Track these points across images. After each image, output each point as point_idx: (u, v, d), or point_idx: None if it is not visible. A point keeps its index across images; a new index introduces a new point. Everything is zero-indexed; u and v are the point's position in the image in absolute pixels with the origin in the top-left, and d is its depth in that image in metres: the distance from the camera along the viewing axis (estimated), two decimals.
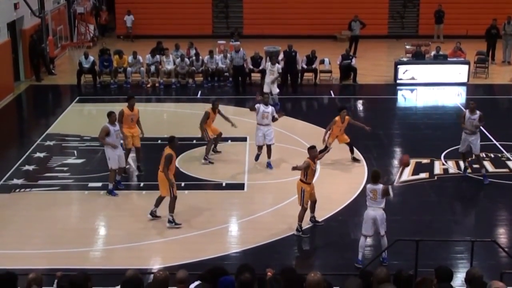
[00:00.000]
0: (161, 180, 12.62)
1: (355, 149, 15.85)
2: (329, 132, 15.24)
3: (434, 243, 11.30)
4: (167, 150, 12.49)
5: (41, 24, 23.77)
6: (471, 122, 14.41)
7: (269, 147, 15.36)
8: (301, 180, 12.16)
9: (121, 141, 14.61)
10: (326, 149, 14.62)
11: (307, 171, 12.04)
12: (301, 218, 12.23)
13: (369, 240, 12.14)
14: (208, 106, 16.15)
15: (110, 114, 14.18)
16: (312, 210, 12.59)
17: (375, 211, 11.06)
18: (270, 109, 15.43)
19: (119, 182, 14.30)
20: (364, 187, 14.13)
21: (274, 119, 15.35)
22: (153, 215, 12.90)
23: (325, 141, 15.13)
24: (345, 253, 11.66)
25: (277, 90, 19.86)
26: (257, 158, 15.51)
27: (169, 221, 12.59)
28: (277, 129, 17.59)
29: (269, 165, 15.33)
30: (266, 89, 19.51)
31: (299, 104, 21.22)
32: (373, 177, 11.16)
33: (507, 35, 25.19)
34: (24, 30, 23.14)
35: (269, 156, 15.36)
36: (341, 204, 13.43)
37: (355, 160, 15.68)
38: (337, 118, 15.30)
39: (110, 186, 14.08)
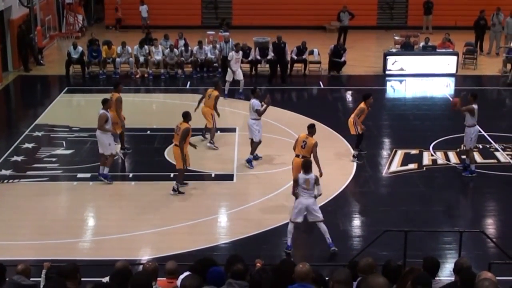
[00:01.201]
0: (176, 154, 13.40)
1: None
2: (357, 121, 14.97)
3: (422, 234, 11.39)
4: (184, 125, 13.26)
5: (29, 14, 23.68)
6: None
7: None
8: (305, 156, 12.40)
9: None
10: (361, 138, 15.04)
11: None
12: None
13: (356, 231, 12.38)
14: (210, 90, 16.36)
15: (107, 101, 14.27)
16: None
17: (307, 200, 11.22)
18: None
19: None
20: (353, 178, 14.42)
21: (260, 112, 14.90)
22: (175, 190, 13.53)
23: (357, 130, 15.02)
24: (335, 243, 11.56)
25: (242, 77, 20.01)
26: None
27: (173, 189, 13.43)
28: (265, 119, 17.62)
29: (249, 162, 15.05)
30: (229, 77, 19.72)
31: (288, 95, 21.26)
32: (305, 167, 11.28)
33: (495, 26, 25.32)
34: (12, 20, 23.03)
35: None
36: (330, 195, 13.44)
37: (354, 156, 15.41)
38: (363, 105, 15.03)
39: (106, 170, 14.10)
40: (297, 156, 12.76)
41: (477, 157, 15.41)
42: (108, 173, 14.17)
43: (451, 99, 14.64)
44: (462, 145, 15.13)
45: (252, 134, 14.98)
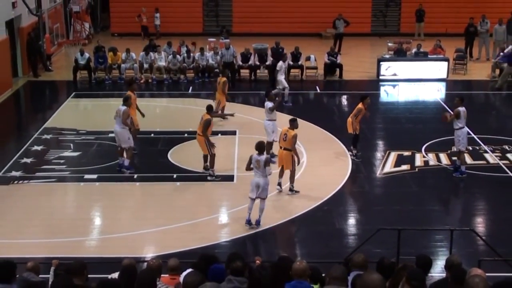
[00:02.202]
0: (200, 142, 14.45)
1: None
2: (354, 121, 15.44)
3: (415, 232, 11.48)
4: (206, 116, 14.33)
5: (38, 22, 23.88)
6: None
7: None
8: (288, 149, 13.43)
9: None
10: (357, 138, 15.67)
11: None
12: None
13: (351, 230, 12.65)
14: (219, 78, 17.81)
15: (128, 99, 14.95)
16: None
17: (259, 178, 12.19)
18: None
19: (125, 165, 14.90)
20: (348, 179, 14.59)
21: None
22: (206, 168, 14.67)
23: (355, 129, 15.48)
24: (330, 241, 11.96)
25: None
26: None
27: (210, 175, 14.48)
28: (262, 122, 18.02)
29: None
30: (281, 85, 19.98)
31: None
32: (257, 149, 12.33)
33: (482, 33, 25.65)
34: (22, 28, 23.30)
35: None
36: (326, 195, 13.72)
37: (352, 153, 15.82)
38: (360, 106, 15.48)
39: (127, 162, 14.70)
40: (280, 148, 13.69)
41: (467, 159, 15.59)
42: (129, 165, 14.71)
43: (442, 115, 15.11)
44: (453, 147, 15.38)
45: (267, 135, 15.45)
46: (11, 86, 22.01)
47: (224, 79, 18.38)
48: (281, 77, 20.12)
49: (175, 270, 7.30)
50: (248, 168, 12.49)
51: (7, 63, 21.81)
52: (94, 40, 27.56)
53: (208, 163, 14.77)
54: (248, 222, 12.38)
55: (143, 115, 15.99)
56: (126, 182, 14.73)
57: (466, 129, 14.87)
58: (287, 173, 13.89)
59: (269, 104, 15.45)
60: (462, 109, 14.61)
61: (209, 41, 25.07)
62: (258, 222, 12.37)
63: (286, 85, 20.09)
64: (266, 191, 12.34)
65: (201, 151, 14.82)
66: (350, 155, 15.81)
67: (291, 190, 13.87)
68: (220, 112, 17.89)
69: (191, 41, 24.74)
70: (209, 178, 14.57)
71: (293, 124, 13.71)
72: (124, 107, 14.71)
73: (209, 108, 14.71)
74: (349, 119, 15.63)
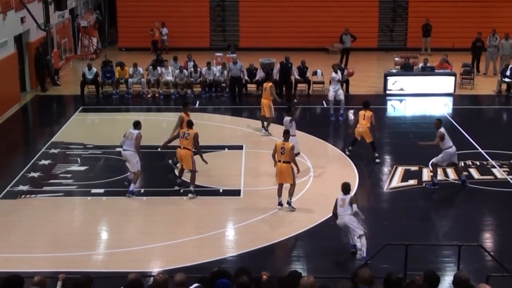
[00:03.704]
0: (187, 156, 14.29)
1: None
2: (375, 126, 16.34)
3: (422, 247, 11.51)
4: (193, 131, 14.46)
5: (46, 37, 24.02)
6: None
7: None
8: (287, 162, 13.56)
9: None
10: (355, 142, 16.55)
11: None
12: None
13: (359, 245, 12.43)
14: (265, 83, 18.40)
15: (139, 123, 14.79)
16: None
17: (342, 218, 11.88)
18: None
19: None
20: (355, 194, 14.42)
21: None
22: (179, 185, 14.69)
23: (373, 137, 16.30)
24: (337, 256, 11.95)
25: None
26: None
27: (191, 192, 14.39)
28: (270, 137, 18.09)
29: None
30: (331, 97, 20.14)
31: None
32: (344, 189, 12.04)
33: (491, 47, 25.66)
34: (30, 43, 23.44)
35: None
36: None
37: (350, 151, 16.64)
38: (370, 112, 16.31)
39: (132, 187, 14.54)
40: (278, 161, 13.66)
41: (475, 174, 15.62)
42: (134, 189, 14.58)
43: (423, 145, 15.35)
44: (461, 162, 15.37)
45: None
46: (19, 101, 22.14)
47: (270, 84, 18.73)
48: (334, 88, 20.26)
49: (182, 285, 7.29)
50: (334, 212, 12.14)
51: (15, 77, 21.94)
52: (102, 54, 27.70)
53: (180, 179, 14.75)
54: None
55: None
56: (133, 197, 14.71)
57: (454, 148, 14.89)
58: (286, 187, 13.87)
59: (286, 118, 15.57)
60: (442, 130, 14.74)
61: (216, 56, 25.18)
62: (364, 259, 11.56)
63: (331, 98, 20.22)
64: (358, 228, 11.89)
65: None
66: (376, 159, 16.44)
67: (288, 203, 13.77)
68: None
69: (198, 55, 24.85)
70: (190, 195, 14.33)
71: (286, 137, 13.97)
72: (137, 131, 14.53)
73: (191, 123, 14.59)
74: (366, 129, 16.20)
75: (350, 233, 11.98)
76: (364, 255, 11.61)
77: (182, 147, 14.39)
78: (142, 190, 14.98)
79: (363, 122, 16.40)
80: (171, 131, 15.96)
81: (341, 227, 12.05)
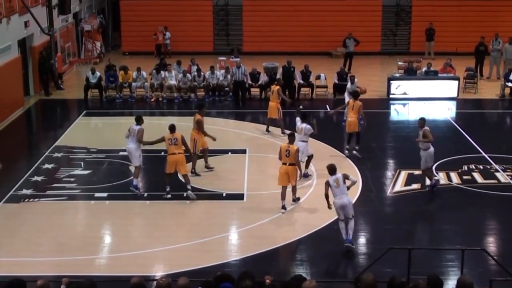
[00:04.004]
0: (182, 160, 14.54)
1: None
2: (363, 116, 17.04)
3: (426, 252, 11.52)
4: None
5: (50, 41, 24.08)
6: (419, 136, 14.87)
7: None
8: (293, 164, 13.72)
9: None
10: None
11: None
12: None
13: (362, 249, 12.57)
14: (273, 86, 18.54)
15: (141, 118, 15.32)
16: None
17: (341, 200, 12.15)
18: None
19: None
20: (358, 198, 14.51)
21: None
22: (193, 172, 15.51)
23: (359, 128, 16.95)
24: (340, 260, 11.96)
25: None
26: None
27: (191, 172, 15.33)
28: (273, 141, 18.08)
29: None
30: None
31: (295, 118, 21.36)
32: (331, 170, 12.38)
33: (494, 51, 25.67)
34: (34, 47, 23.53)
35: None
36: (336, 214, 13.70)
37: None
38: (359, 102, 17.04)
39: (135, 182, 14.90)
40: (284, 164, 13.77)
41: (478, 178, 15.63)
42: (138, 184, 14.92)
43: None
44: (464, 166, 15.34)
45: (306, 152, 15.58)
46: (23, 105, 22.20)
47: (277, 87, 18.86)
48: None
49: None
50: (327, 193, 12.39)
51: (19, 81, 22.01)
52: (105, 59, 27.75)
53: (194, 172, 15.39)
54: (349, 241, 12.24)
55: (214, 139, 15.98)
56: (136, 201, 14.78)
57: (432, 148, 14.88)
58: (289, 191, 14.02)
59: (307, 126, 15.64)
60: (428, 128, 14.76)
61: (220, 60, 25.23)
62: (349, 240, 12.25)
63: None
64: (351, 209, 12.32)
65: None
66: (355, 152, 16.89)
67: (294, 200, 14.17)
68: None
69: (201, 60, 24.90)
70: (190, 194, 14.50)
71: (292, 139, 14.09)
72: (138, 127, 14.95)
73: (172, 127, 14.66)
74: (354, 119, 16.78)
75: (345, 218, 12.19)
76: (350, 237, 12.12)
77: (177, 153, 14.47)
78: (146, 194, 15.02)
79: (352, 112, 16.87)
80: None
81: (337, 207, 12.19)
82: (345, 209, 12.19)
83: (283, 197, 13.88)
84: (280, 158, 13.97)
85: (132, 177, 15.11)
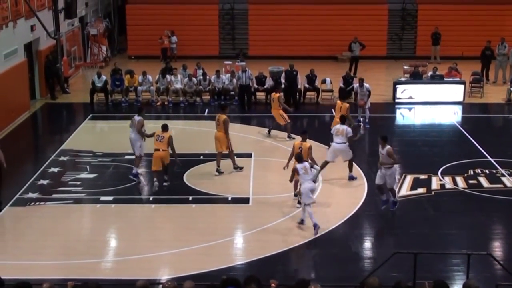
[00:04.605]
0: (165, 156, 15.17)
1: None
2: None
3: (431, 256, 11.45)
4: (223, 116, 16.12)
5: (56, 45, 24.14)
6: (382, 155, 13.91)
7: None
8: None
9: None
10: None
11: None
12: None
13: (367, 253, 12.61)
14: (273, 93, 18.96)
15: (142, 109, 16.55)
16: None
17: (310, 184, 13.27)
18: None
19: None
20: (364, 202, 14.56)
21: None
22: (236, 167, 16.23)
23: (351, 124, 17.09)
24: (346, 265, 11.94)
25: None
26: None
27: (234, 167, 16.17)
28: (278, 145, 18.08)
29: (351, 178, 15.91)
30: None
31: (301, 122, 21.33)
32: (298, 159, 13.41)
33: (500, 55, 25.63)
34: (40, 51, 23.58)
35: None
36: (341, 218, 13.72)
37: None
38: (347, 104, 17.66)
39: (135, 170, 15.80)
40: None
41: (484, 182, 15.61)
42: (137, 172, 15.74)
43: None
44: (467, 171, 15.20)
45: (346, 155, 15.69)
46: (29, 108, 22.26)
47: (277, 95, 18.98)
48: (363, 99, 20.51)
49: None
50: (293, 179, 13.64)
51: (25, 85, 22.05)
52: (111, 62, 27.74)
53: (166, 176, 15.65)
54: (315, 225, 13.06)
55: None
56: (142, 204, 14.84)
57: (396, 167, 14.53)
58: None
59: (348, 128, 15.73)
60: (390, 148, 13.92)
61: (225, 64, 25.26)
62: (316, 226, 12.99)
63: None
64: (313, 195, 13.47)
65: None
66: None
67: (299, 202, 14.31)
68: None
69: (207, 64, 24.93)
70: (165, 184, 15.39)
71: (304, 137, 14.60)
72: (139, 117, 15.88)
73: (164, 127, 15.32)
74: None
75: (306, 202, 13.15)
76: (316, 221, 12.94)
77: (160, 150, 15.14)
78: (151, 198, 15.06)
79: (339, 113, 17.25)
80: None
81: (304, 192, 13.12)
82: (313, 193, 13.33)
83: (295, 186, 14.28)
84: (290, 156, 14.34)
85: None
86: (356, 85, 20.74)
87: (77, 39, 28.57)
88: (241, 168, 16.49)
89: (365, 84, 20.43)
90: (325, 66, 27.13)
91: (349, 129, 15.78)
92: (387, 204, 14.16)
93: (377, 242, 13.06)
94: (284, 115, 18.77)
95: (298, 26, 30.33)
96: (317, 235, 12.91)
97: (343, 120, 16.08)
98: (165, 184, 15.42)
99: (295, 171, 13.42)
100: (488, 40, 26.12)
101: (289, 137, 18.71)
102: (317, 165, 14.56)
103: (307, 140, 14.69)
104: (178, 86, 23.30)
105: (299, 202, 14.05)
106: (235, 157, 16.48)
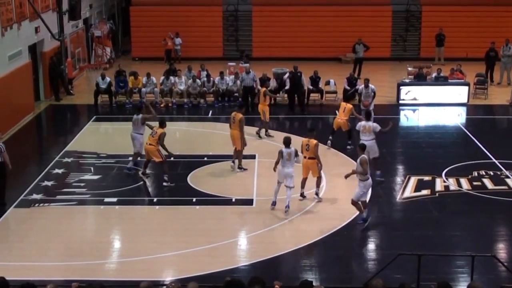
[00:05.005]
0: (152, 150, 15.59)
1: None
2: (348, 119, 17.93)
3: (435, 258, 11.40)
4: (239, 115, 16.46)
5: (60, 46, 24.18)
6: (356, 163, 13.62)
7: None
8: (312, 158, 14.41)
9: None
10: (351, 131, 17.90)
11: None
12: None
13: (371, 255, 12.63)
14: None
15: (142, 107, 17.43)
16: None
17: (288, 169, 13.91)
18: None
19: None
20: (368, 203, 14.41)
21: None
22: (145, 174, 16.18)
23: (349, 126, 17.87)
24: (350, 266, 11.96)
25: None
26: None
27: (165, 181, 15.74)
28: (282, 146, 18.08)
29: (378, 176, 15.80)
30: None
31: (305, 123, 21.12)
32: (286, 143, 14.04)
33: (505, 57, 25.59)
34: (44, 53, 23.64)
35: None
36: (346, 219, 13.71)
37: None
38: (351, 105, 18.00)
39: (131, 164, 16.54)
40: (304, 157, 14.51)
41: (488, 184, 15.59)
42: (131, 166, 16.41)
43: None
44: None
45: (375, 153, 15.65)
46: (33, 110, 22.32)
47: (264, 88, 19.21)
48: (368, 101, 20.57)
49: None
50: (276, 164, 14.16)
51: (29, 87, 22.12)
52: (115, 64, 27.88)
53: (146, 168, 16.12)
54: (274, 203, 14.13)
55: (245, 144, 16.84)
56: (146, 206, 14.86)
57: (371, 179, 13.90)
58: (313, 180, 14.65)
59: (375, 124, 15.76)
60: (365, 157, 13.51)
61: (229, 66, 25.27)
62: (287, 206, 13.86)
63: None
64: (291, 180, 13.87)
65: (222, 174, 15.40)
66: (348, 146, 17.95)
67: (317, 194, 14.72)
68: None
69: (211, 65, 24.95)
70: (164, 184, 15.63)
71: (311, 134, 14.67)
72: (140, 116, 16.44)
73: (161, 123, 15.80)
74: (343, 120, 17.77)
75: (286, 183, 13.93)
76: (288, 204, 13.73)
77: (148, 144, 15.66)
78: (155, 199, 15.11)
79: (343, 114, 17.77)
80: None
81: (281, 177, 13.99)
82: (287, 178, 13.86)
83: (302, 185, 14.61)
84: (301, 152, 14.48)
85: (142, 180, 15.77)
86: (361, 86, 20.70)
87: (81, 40, 28.62)
88: (245, 169, 16.52)
89: (370, 85, 20.40)
90: (329, 68, 27.13)
91: (375, 124, 15.67)
92: (364, 222, 13.48)
93: (381, 243, 13.04)
94: (266, 111, 19.21)
95: (301, 27, 30.36)
96: (322, 235, 12.89)
97: (368, 117, 15.97)
98: (164, 184, 15.59)
99: (280, 154, 14.03)
100: (493, 42, 26.10)
101: (266, 134, 19.25)
102: (320, 163, 14.59)
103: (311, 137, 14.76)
104: (181, 88, 23.31)
105: (301, 195, 14.63)
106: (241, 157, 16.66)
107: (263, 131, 19.48)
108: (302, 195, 14.68)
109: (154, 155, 15.66)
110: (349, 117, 17.84)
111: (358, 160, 13.36)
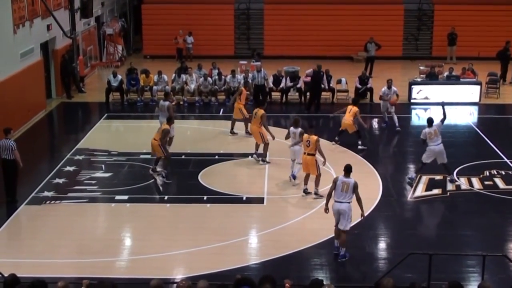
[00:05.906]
0: (155, 146, 15.71)
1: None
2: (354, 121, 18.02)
3: (446, 257, 11.35)
4: (261, 111, 16.81)
5: (72, 44, 24.27)
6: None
7: None
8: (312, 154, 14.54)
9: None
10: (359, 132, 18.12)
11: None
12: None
13: (382, 254, 12.58)
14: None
15: (169, 93, 18.95)
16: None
17: (296, 147, 14.75)
18: None
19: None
20: (379, 202, 14.50)
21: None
22: (154, 170, 16.12)
23: (356, 128, 17.96)
24: (360, 265, 11.92)
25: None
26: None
27: (162, 176, 15.83)
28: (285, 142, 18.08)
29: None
30: (383, 108, 20.38)
31: (316, 122, 20.92)
32: (295, 123, 14.80)
33: None
34: (56, 50, 23.72)
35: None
36: (356, 218, 13.38)
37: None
38: (357, 108, 18.07)
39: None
40: (304, 153, 14.78)
41: (500, 183, 15.51)
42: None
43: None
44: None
45: (443, 158, 15.51)
46: (45, 107, 22.40)
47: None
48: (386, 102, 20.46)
49: None
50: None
51: (41, 84, 22.20)
52: (127, 62, 27.90)
53: (157, 165, 16.17)
54: (294, 177, 15.14)
55: (273, 137, 16.98)
56: (157, 203, 14.87)
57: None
58: (312, 178, 14.71)
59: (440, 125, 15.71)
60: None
61: (240, 64, 25.26)
62: (294, 175, 14.95)
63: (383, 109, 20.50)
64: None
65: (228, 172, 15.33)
66: (359, 146, 17.90)
67: (316, 193, 14.67)
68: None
69: (222, 63, 24.94)
70: (160, 178, 15.83)
71: (312, 130, 14.92)
72: (167, 102, 17.20)
73: (168, 119, 16.12)
74: (350, 122, 17.85)
75: (297, 160, 14.86)
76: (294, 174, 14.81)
77: (153, 138, 15.78)
78: (166, 197, 15.10)
79: (348, 115, 17.99)
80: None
81: (291, 154, 14.93)
82: (296, 154, 14.97)
83: (305, 182, 14.82)
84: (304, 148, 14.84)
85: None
86: (384, 88, 20.42)
87: (93, 38, 28.72)
88: (268, 162, 16.86)
89: (393, 87, 20.21)
90: (341, 66, 27.05)
91: (439, 123, 15.55)
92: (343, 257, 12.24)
93: (392, 242, 13.00)
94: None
95: (313, 26, 30.28)
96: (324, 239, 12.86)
97: (430, 123, 15.53)
98: (161, 178, 15.80)
99: (289, 132, 15.08)
100: (507, 41, 25.93)
101: (247, 132, 18.86)
102: (324, 158, 14.72)
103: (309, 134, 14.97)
104: (193, 86, 23.34)
105: (304, 191, 14.82)
106: (265, 150, 16.96)
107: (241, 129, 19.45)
108: (305, 191, 14.80)
109: (156, 150, 15.76)
110: (355, 119, 17.92)
111: (352, 184, 12.14)
